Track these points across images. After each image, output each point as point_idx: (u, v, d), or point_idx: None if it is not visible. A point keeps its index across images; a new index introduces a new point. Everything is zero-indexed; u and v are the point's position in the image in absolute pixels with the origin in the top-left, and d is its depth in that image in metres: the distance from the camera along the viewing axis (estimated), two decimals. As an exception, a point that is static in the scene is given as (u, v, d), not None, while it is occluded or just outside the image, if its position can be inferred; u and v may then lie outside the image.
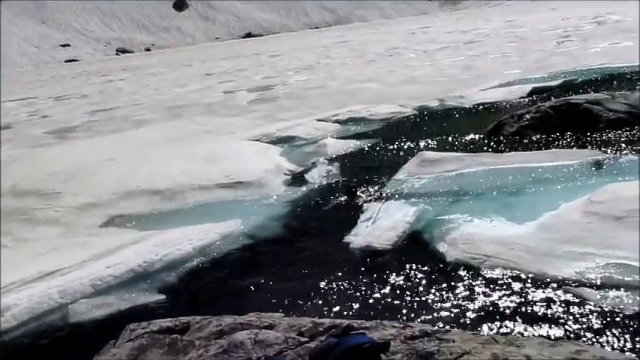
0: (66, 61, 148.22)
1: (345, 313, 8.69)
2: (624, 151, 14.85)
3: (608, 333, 7.50)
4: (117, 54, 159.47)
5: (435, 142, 18.43)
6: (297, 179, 16.37)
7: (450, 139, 18.62)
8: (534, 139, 17.33)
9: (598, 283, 8.63)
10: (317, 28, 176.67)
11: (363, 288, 9.48)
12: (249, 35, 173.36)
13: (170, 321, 7.14)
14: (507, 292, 8.76)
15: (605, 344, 7.26)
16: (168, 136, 23.69)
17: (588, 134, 16.88)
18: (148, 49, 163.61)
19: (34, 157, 21.91)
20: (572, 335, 7.51)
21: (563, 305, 8.22)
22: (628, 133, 16.60)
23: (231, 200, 14.97)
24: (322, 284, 9.73)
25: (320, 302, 9.18)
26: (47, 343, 9.18)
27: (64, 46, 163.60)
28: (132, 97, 42.98)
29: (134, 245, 12.01)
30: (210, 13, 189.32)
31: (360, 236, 11.54)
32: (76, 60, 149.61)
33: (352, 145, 19.52)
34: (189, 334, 6.80)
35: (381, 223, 11.94)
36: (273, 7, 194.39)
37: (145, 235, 12.69)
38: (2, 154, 23.13)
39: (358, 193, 13.91)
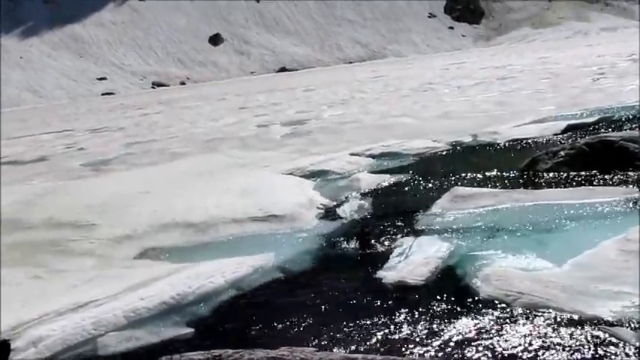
0: (102, 94, 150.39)
1: (377, 348, 8.64)
2: (661, 189, 14.68)
3: (645, 374, 7.38)
4: (153, 87, 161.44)
5: (469, 178, 18.36)
6: (330, 213, 16.37)
7: (483, 174, 18.53)
8: (569, 176, 17.21)
9: (635, 323, 8.51)
10: (351, 62, 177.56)
11: (396, 323, 9.42)
12: (283, 69, 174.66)
13: (202, 354, 7.15)
14: (542, 331, 8.66)
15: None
16: (202, 169, 23.85)
17: (624, 172, 16.72)
18: (183, 83, 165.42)
19: (71, 189, 22.14)
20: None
21: (598, 345, 8.10)
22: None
23: (264, 234, 14.99)
24: (355, 319, 9.69)
25: (352, 337, 9.13)
26: (80, 374, 9.23)
27: (100, 79, 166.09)
28: (167, 130, 43.40)
29: (168, 277, 12.04)
30: (245, 48, 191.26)
31: (392, 271, 11.50)
32: (113, 93, 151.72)
33: (385, 179, 19.49)
34: (221, 367, 6.81)
35: (413, 258, 11.88)
36: (307, 42, 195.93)
37: (179, 267, 12.73)
38: (39, 187, 23.42)
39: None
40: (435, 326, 9.19)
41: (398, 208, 16.16)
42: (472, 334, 8.81)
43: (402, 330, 9.20)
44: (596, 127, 25.13)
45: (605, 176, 16.69)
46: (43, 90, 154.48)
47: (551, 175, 17.50)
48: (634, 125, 24.05)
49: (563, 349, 8.11)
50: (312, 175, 21.20)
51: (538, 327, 8.79)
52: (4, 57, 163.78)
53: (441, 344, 8.63)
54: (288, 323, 9.95)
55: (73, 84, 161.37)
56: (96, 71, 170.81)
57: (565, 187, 16.28)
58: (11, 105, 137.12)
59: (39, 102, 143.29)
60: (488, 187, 16.95)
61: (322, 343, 8.96)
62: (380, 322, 9.54)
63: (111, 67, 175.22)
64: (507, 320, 9.12)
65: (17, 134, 55.09)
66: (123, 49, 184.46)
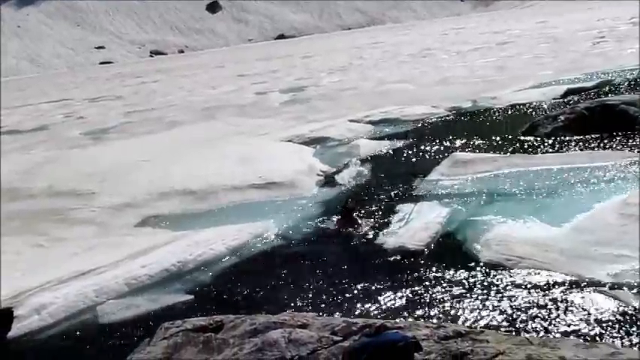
0: (100, 63, 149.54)
1: (378, 312, 8.69)
2: (661, 153, 14.67)
3: (644, 335, 7.42)
4: (151, 56, 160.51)
5: (468, 143, 18.33)
6: (330, 180, 16.37)
7: (482, 140, 18.50)
8: (568, 140, 17.18)
9: (633, 285, 8.54)
10: (349, 29, 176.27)
11: (397, 288, 9.46)
12: (281, 37, 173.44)
13: (204, 320, 7.20)
14: (541, 294, 8.71)
15: (640, 347, 7.19)
16: (201, 137, 23.82)
17: (624, 135, 16.70)
18: (181, 51, 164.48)
19: (70, 158, 22.13)
20: (607, 337, 7.44)
21: (598, 307, 8.15)
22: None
23: (263, 201, 15.01)
24: (355, 284, 9.73)
25: (353, 302, 9.18)
26: (83, 340, 9.28)
27: (98, 48, 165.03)
28: (166, 98, 43.25)
29: (168, 245, 12.09)
30: (243, 15, 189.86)
31: (393, 236, 11.53)
32: (111, 62, 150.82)
33: (385, 145, 19.48)
34: (223, 332, 6.85)
35: (414, 224, 11.92)
36: (305, 9, 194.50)
37: (179, 235, 12.77)
38: (38, 156, 23.41)
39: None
40: (435, 290, 9.23)
41: (397, 174, 16.15)
42: (473, 298, 8.85)
43: (403, 294, 9.23)
44: (596, 91, 25.05)
45: (605, 140, 16.66)
46: (40, 59, 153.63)
47: (550, 139, 17.47)
48: (634, 89, 23.98)
49: (563, 312, 8.15)
50: (311, 142, 21.15)
51: (538, 291, 8.82)
52: (2, 26, 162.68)
53: (441, 308, 8.67)
54: (289, 289, 9.99)
55: (71, 53, 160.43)
56: (94, 40, 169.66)
57: (564, 151, 16.26)
58: (9, 74, 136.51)
59: (37, 71, 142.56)
60: (487, 152, 16.93)
61: (323, 308, 9.00)
62: (380, 286, 9.58)
63: (109, 35, 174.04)
64: (508, 284, 9.16)
65: (16, 103, 54.88)
66: (120, 17, 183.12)
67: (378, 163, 17.55)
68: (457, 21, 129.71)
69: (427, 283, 9.52)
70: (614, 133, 16.94)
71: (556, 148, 16.66)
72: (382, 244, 11.27)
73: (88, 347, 9.09)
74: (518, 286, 9.05)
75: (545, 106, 23.11)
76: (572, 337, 7.41)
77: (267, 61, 74.78)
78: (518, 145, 17.65)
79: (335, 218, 13.00)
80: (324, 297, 9.46)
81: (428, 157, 17.57)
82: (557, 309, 8.24)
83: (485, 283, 9.26)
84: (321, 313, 8.11)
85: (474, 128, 20.84)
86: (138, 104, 41.52)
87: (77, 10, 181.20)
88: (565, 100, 23.99)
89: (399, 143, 19.68)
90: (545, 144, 17.20)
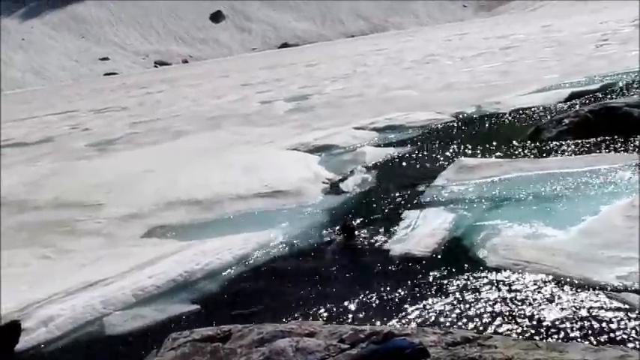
0: (105, 75, 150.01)
1: (385, 320, 8.67)
2: (666, 155, 14.64)
3: (653, 338, 7.40)
4: (155, 66, 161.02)
5: (473, 149, 18.33)
6: (336, 188, 16.37)
7: (488, 145, 18.50)
8: (573, 143, 17.18)
9: (642, 288, 8.53)
10: (353, 36, 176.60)
11: (403, 295, 9.45)
12: (285, 45, 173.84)
13: (211, 329, 7.20)
14: (549, 298, 8.69)
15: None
16: (206, 146, 23.86)
17: (629, 138, 16.67)
18: (185, 61, 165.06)
19: (76, 169, 22.18)
20: (615, 341, 7.41)
21: (606, 311, 8.13)
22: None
23: (270, 209, 15.01)
24: (362, 292, 9.72)
25: (360, 309, 9.17)
26: (91, 352, 9.28)
27: (103, 59, 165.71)
28: (170, 108, 43.37)
29: (175, 255, 12.09)
30: (247, 24, 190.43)
31: (399, 243, 11.52)
32: (115, 73, 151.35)
33: (390, 152, 19.48)
34: (230, 342, 6.85)
35: (420, 230, 11.91)
36: (308, 17, 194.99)
37: (186, 244, 12.77)
38: (44, 168, 23.48)
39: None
40: (442, 296, 9.22)
41: (403, 180, 16.15)
42: (480, 304, 8.83)
43: (409, 301, 9.22)
44: (600, 93, 25.04)
45: (610, 143, 16.65)
46: (45, 71, 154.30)
47: (555, 143, 17.47)
48: (638, 90, 23.94)
49: (571, 316, 8.12)
50: (316, 149, 21.18)
51: (546, 295, 8.80)
52: (6, 39, 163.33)
53: (449, 314, 8.66)
54: (295, 297, 9.98)
55: (76, 65, 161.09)
56: (98, 51, 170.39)
57: (570, 155, 16.26)
58: (15, 87, 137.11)
59: (42, 83, 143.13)
60: (492, 157, 16.94)
61: (331, 316, 8.99)
62: (387, 293, 9.57)
63: (113, 46, 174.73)
64: (515, 289, 9.13)
65: (22, 116, 55.09)
66: (124, 28, 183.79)
67: (383, 170, 17.57)
68: (460, 26, 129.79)
69: (434, 289, 9.50)
70: (619, 136, 16.92)
71: (561, 152, 16.65)
72: (388, 252, 11.25)
73: (96, 359, 9.10)
74: (526, 290, 9.02)
75: (549, 110, 23.09)
76: (580, 340, 7.40)
77: (271, 69, 74.94)
78: (523, 149, 17.65)
79: (339, 230, 12.84)
80: (330, 305, 9.45)
81: (433, 162, 17.57)
82: (565, 313, 8.22)
83: (493, 288, 9.24)
84: (328, 321, 8.11)
85: (479, 133, 20.85)
86: (143, 115, 41.64)
87: (81, 22, 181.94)
88: (569, 103, 23.96)
89: (404, 149, 19.68)
90: (551, 148, 17.19)
